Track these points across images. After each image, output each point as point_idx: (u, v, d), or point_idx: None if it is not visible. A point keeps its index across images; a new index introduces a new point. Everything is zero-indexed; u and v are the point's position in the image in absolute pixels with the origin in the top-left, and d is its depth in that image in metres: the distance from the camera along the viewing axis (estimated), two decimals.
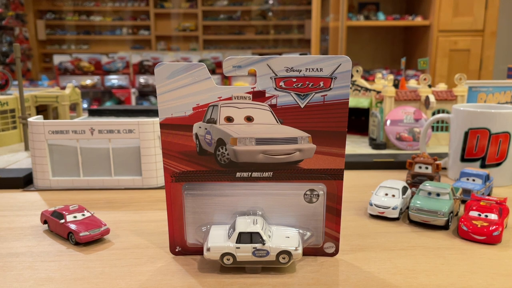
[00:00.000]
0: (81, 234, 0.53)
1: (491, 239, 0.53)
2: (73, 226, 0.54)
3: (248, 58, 0.45)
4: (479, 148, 0.77)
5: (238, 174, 0.48)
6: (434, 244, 0.54)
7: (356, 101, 1.18)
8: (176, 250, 0.51)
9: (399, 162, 0.90)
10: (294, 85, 0.45)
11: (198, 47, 5.02)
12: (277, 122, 0.47)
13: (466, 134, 0.77)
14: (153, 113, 0.93)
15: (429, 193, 0.61)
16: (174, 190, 0.49)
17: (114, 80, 3.80)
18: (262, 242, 0.45)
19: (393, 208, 0.61)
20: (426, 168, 0.72)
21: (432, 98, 1.04)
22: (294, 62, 0.45)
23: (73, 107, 1.35)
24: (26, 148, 1.05)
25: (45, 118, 1.25)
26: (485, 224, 0.54)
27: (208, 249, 0.46)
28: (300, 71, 0.45)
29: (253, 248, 0.45)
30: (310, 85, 0.45)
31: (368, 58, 3.61)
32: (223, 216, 0.50)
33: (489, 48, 3.08)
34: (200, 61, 3.72)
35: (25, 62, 4.69)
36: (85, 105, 3.64)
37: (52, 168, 0.77)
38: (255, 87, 0.46)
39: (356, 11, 3.44)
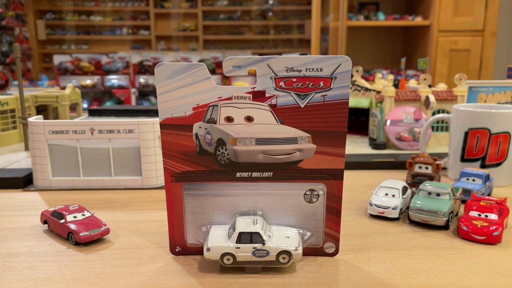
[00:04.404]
0: (81, 234, 0.53)
1: (491, 239, 0.53)
2: (73, 226, 0.54)
3: (248, 58, 0.45)
4: (479, 148, 0.77)
5: (238, 174, 0.48)
6: (434, 244, 0.54)
7: (356, 101, 1.18)
8: (176, 250, 0.51)
9: (399, 162, 0.90)
10: (294, 85, 0.45)
11: (198, 47, 5.02)
12: (277, 122, 0.47)
13: (466, 134, 0.77)
14: (153, 113, 0.93)
15: (429, 193, 0.61)
16: (174, 190, 0.49)
17: (114, 80, 3.80)
18: (262, 242, 0.45)
19: (393, 208, 0.61)
20: (426, 168, 0.72)
21: (432, 98, 1.04)
22: (294, 62, 0.45)
23: (73, 107, 1.35)
24: (26, 148, 1.05)
25: (45, 118, 1.25)
26: (485, 224, 0.54)
27: (208, 249, 0.46)
28: (300, 71, 0.45)
29: (253, 248, 0.45)
30: (310, 85, 0.45)
31: (368, 58, 3.61)
32: (223, 216, 0.50)
33: (489, 48, 3.08)
34: (200, 61, 3.72)
35: (25, 62, 4.69)
36: (85, 105, 3.64)
37: (52, 168, 0.77)
38: (255, 87, 0.46)
39: (356, 11, 3.44)
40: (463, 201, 0.67)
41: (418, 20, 3.16)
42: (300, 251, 0.46)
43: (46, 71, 4.88)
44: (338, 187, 0.48)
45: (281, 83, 0.45)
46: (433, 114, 1.11)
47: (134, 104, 3.65)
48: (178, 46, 5.11)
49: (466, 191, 0.67)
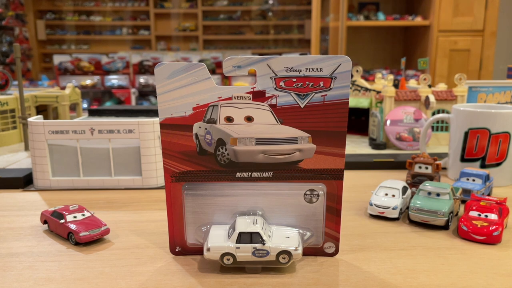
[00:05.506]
0: (81, 234, 0.53)
1: (491, 239, 0.53)
2: (73, 226, 0.54)
3: (248, 58, 0.45)
4: (479, 148, 0.77)
5: (238, 174, 0.48)
6: (434, 244, 0.54)
7: (356, 101, 1.18)
8: (176, 250, 0.51)
9: (399, 162, 0.90)
10: (294, 85, 0.45)
11: (198, 47, 5.02)
12: (277, 122, 0.47)
13: (466, 134, 0.77)
14: (153, 113, 0.93)
15: (429, 193, 0.61)
16: (174, 190, 0.49)
17: (114, 80, 3.80)
18: (262, 242, 0.45)
19: (393, 208, 0.61)
20: (426, 168, 0.72)
21: (432, 98, 1.04)
22: (294, 62, 0.45)
23: (73, 107, 1.35)
24: (26, 148, 1.05)
25: (45, 118, 1.25)
26: (485, 224, 0.54)
27: (208, 249, 0.46)
28: (300, 71, 0.45)
29: (253, 248, 0.45)
30: (310, 85, 0.45)
31: (368, 58, 3.61)
32: (223, 216, 0.50)
33: (489, 48, 3.08)
34: (200, 61, 3.72)
35: (25, 62, 4.69)
36: (85, 105, 3.64)
37: (52, 168, 0.77)
38: (255, 87, 0.46)
39: (356, 11, 3.44)
40: (463, 201, 0.67)
41: (418, 20, 3.16)
42: (300, 251, 0.46)
43: (46, 71, 4.88)
44: (338, 187, 0.48)
45: (281, 83, 0.45)
46: (433, 114, 1.11)
47: (134, 104, 3.65)
48: (178, 46, 5.11)
49: (466, 191, 0.67)
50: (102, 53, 4.15)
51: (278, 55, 0.59)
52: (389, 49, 3.63)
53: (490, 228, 0.53)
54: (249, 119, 0.47)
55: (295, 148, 0.47)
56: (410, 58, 3.20)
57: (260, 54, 3.21)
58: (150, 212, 0.66)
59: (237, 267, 0.47)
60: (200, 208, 0.49)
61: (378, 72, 2.66)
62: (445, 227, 0.58)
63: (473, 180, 0.70)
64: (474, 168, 0.73)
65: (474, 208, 0.58)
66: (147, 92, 3.79)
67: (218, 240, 0.46)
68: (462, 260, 0.49)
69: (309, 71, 0.45)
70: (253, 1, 5.05)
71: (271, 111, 0.47)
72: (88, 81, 3.78)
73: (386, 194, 0.64)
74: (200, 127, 0.48)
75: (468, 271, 0.47)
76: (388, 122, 1.06)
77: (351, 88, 1.22)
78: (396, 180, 0.67)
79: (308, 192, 0.49)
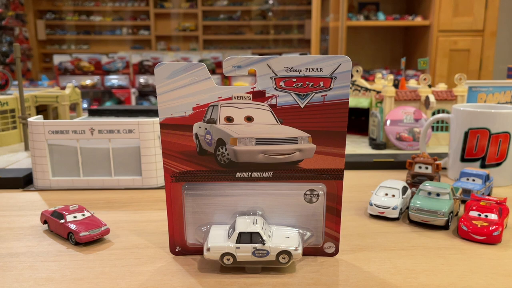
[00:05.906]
0: (81, 234, 0.53)
1: (491, 239, 0.53)
2: (73, 226, 0.54)
3: (248, 58, 0.45)
4: (479, 148, 0.77)
5: (238, 174, 0.48)
6: (434, 244, 0.54)
7: (356, 101, 1.18)
8: (176, 250, 0.51)
9: (399, 162, 0.90)
10: (294, 85, 0.45)
11: (198, 47, 5.02)
12: (277, 122, 0.47)
13: (466, 134, 0.77)
14: (153, 113, 0.93)
15: (429, 193, 0.61)
16: (174, 190, 0.49)
17: (114, 80, 3.80)
18: (262, 242, 0.45)
19: (393, 208, 0.61)
20: (426, 168, 0.72)
21: (432, 98, 1.04)
22: (294, 62, 0.45)
23: (73, 107, 1.35)
24: (26, 148, 1.05)
25: (45, 118, 1.25)
26: (485, 224, 0.54)
27: (208, 249, 0.46)
28: (300, 71, 0.45)
29: (253, 248, 0.45)
30: (310, 85, 0.45)
31: (368, 58, 3.61)
32: (223, 216, 0.50)
33: (489, 48, 3.08)
34: (200, 61, 3.72)
35: (25, 62, 4.69)
36: (85, 105, 3.64)
37: (52, 168, 0.77)
38: (255, 87, 0.46)
39: (356, 11, 3.44)
40: (463, 201, 0.67)
41: (418, 20, 3.16)
42: (300, 251, 0.46)
43: (46, 71, 4.88)
44: (338, 187, 0.48)
45: (281, 83, 0.45)
46: (433, 114, 1.11)
47: (134, 104, 3.65)
48: (178, 46, 5.11)
49: (466, 191, 0.67)
50: (102, 53, 4.16)
51: (278, 55, 0.59)
52: (389, 49, 3.63)
53: (490, 228, 0.53)
54: (249, 119, 0.47)
55: (295, 148, 0.47)
56: (410, 58, 3.20)
57: (260, 54, 3.21)
58: (150, 212, 0.66)
59: (237, 267, 0.47)
60: (200, 208, 0.49)
61: (378, 72, 2.66)
62: (445, 227, 0.58)
63: (473, 180, 0.70)
64: (474, 168, 0.73)
65: (474, 208, 0.58)
66: (147, 92, 3.79)
67: (218, 240, 0.46)
68: (462, 260, 0.49)
69: (309, 71, 0.45)
70: (253, 1, 5.05)
71: (271, 111, 0.47)
72: (88, 81, 3.78)
73: (386, 194, 0.64)
74: (200, 127, 0.48)
75: (468, 271, 0.47)
76: (388, 122, 1.06)
77: (351, 88, 1.22)
78: (396, 180, 0.67)
79: (308, 192, 0.49)
